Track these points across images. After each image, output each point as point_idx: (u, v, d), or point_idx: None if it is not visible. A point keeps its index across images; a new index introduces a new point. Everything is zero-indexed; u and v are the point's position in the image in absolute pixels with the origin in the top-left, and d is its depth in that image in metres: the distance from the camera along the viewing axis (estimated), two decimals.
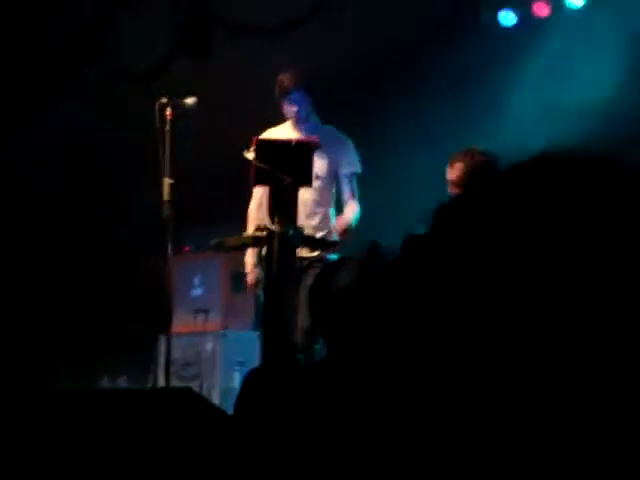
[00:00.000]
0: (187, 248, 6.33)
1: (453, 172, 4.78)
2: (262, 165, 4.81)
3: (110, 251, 7.07)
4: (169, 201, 5.10)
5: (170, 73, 6.29)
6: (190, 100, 5.31)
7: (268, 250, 4.84)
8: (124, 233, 6.86)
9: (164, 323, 5.05)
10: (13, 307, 6.85)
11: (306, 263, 5.16)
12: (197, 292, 6.32)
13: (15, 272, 6.97)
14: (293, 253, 4.84)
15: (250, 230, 5.31)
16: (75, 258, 7.17)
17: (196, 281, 6.27)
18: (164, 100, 5.21)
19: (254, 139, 4.88)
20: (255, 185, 5.02)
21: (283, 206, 4.86)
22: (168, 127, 5.16)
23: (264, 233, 4.86)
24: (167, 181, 5.09)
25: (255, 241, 4.97)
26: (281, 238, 4.74)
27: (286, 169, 4.80)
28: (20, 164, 6.84)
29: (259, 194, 5.42)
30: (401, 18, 6.58)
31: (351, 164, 5.45)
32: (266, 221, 5.00)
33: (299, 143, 4.89)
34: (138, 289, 6.54)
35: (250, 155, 4.88)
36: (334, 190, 5.46)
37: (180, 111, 5.16)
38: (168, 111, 5.19)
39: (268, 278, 4.82)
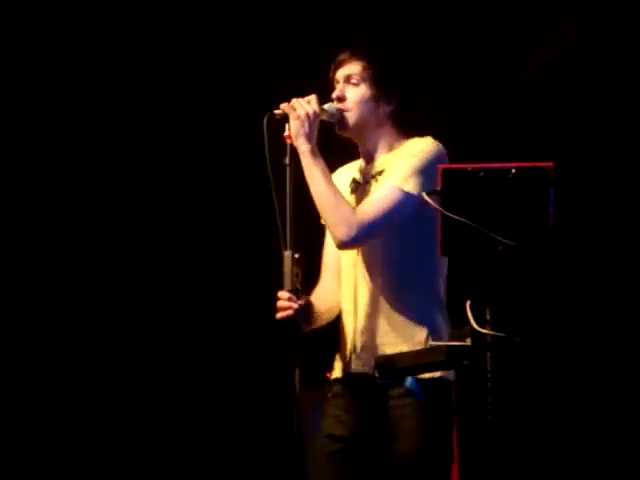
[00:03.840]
0: (328, 374, 4.05)
1: None
2: (454, 216, 2.67)
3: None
4: (294, 291, 3.05)
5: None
6: (329, 106, 3.29)
7: (478, 375, 2.68)
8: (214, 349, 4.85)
9: None
10: None
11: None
12: None
13: None
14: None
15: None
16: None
17: None
18: (279, 111, 3.18)
19: (440, 169, 2.75)
20: (443, 253, 2.84)
21: (501, 292, 2.71)
22: (287, 159, 3.12)
23: (467, 341, 2.73)
24: (289, 255, 3.08)
25: (451, 356, 2.80)
26: (501, 351, 2.64)
27: (501, 223, 2.68)
28: None
29: (334, 251, 3.35)
30: None
31: None
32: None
33: (525, 170, 2.71)
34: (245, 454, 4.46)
35: (430, 199, 2.77)
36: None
37: None
38: (287, 130, 3.17)
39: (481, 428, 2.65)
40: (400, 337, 3.15)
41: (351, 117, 3.27)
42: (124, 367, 5.41)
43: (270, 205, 3.10)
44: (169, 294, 5.39)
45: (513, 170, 2.73)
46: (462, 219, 2.70)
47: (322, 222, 3.33)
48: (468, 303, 2.76)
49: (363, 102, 3.27)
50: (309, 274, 3.20)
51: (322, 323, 3.31)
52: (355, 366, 3.22)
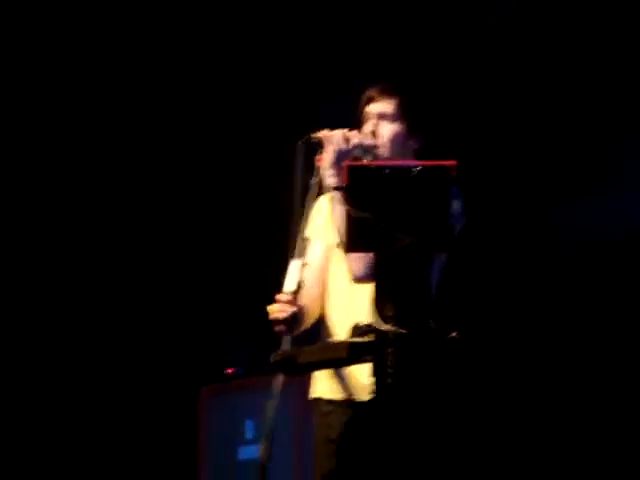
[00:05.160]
0: (231, 370, 4.01)
1: None
2: (360, 213, 2.71)
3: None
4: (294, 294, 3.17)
5: None
6: (362, 141, 3.31)
7: (379, 372, 2.71)
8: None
9: None
10: None
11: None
12: (250, 452, 3.83)
13: None
14: (436, 376, 2.74)
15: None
16: None
17: (248, 431, 3.73)
18: (316, 136, 3.26)
19: (345, 166, 2.78)
20: (349, 251, 2.88)
21: (402, 288, 2.74)
22: (315, 179, 3.21)
23: (368, 337, 2.77)
24: (298, 263, 3.17)
25: (353, 353, 2.83)
26: (404, 346, 2.69)
27: (405, 220, 2.74)
28: None
29: (319, 261, 3.41)
30: None
31: None
32: (358, 314, 3.01)
33: (428, 169, 2.77)
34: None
35: (335, 196, 2.84)
36: None
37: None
38: (319, 155, 3.24)
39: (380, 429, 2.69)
40: None
41: (383, 154, 3.32)
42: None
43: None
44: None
45: (417, 168, 2.78)
46: (366, 215, 2.75)
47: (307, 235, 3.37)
48: (372, 299, 2.81)
49: (395, 139, 3.32)
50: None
51: (303, 328, 3.34)
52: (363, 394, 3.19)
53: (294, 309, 3.13)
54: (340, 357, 2.90)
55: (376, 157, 3.32)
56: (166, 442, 4.92)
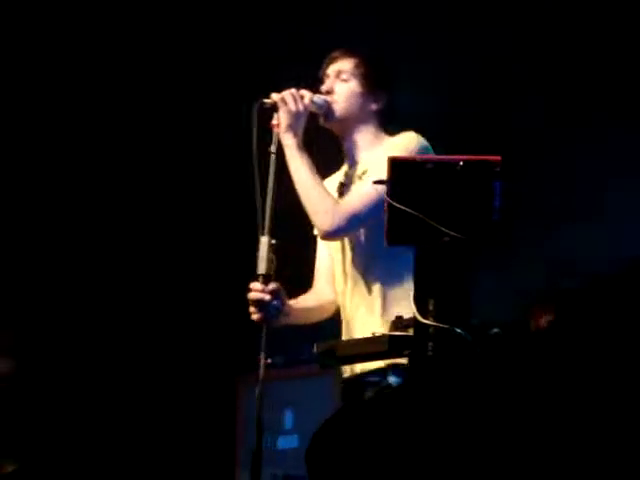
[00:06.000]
0: (269, 361, 4.04)
1: None
2: (401, 207, 2.72)
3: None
4: (267, 276, 3.14)
5: None
6: (318, 97, 3.34)
7: (412, 367, 2.73)
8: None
9: None
10: None
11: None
12: (288, 441, 3.79)
13: None
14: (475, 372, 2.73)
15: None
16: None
17: (287, 420, 3.72)
18: (269, 100, 3.25)
19: (388, 159, 2.78)
20: (390, 243, 2.88)
21: (443, 282, 2.74)
22: (274, 147, 3.20)
23: (409, 331, 2.77)
24: (266, 241, 3.14)
25: (393, 346, 2.84)
26: (445, 340, 2.68)
27: (448, 215, 2.73)
28: None
29: (326, 260, 3.46)
30: None
31: None
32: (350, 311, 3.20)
33: (471, 163, 2.77)
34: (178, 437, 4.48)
35: (379, 187, 2.85)
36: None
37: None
38: (275, 119, 3.22)
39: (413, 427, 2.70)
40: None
41: (338, 109, 3.34)
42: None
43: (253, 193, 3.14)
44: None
45: (461, 163, 2.78)
46: (408, 210, 2.75)
47: (315, 233, 3.40)
48: (411, 293, 2.82)
49: (351, 96, 3.34)
50: (284, 263, 3.23)
51: (312, 320, 3.38)
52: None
53: (265, 297, 3.14)
54: (380, 350, 2.92)
55: (330, 113, 3.34)
56: (204, 431, 4.96)
